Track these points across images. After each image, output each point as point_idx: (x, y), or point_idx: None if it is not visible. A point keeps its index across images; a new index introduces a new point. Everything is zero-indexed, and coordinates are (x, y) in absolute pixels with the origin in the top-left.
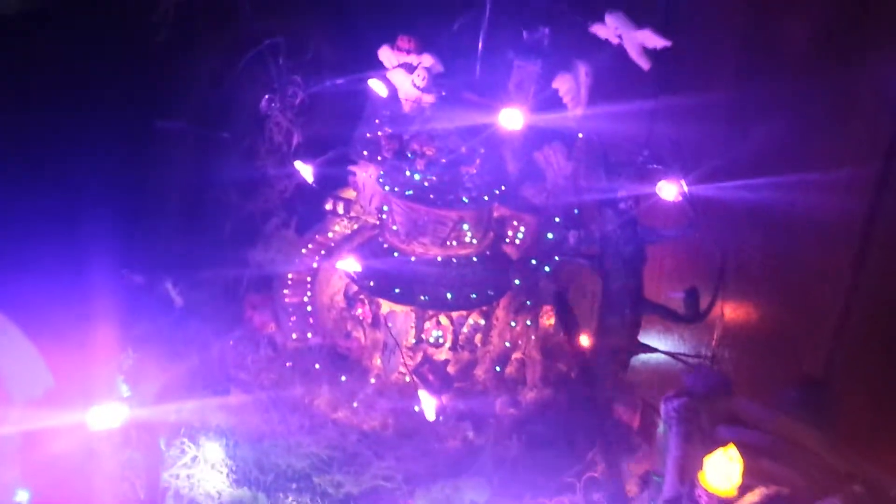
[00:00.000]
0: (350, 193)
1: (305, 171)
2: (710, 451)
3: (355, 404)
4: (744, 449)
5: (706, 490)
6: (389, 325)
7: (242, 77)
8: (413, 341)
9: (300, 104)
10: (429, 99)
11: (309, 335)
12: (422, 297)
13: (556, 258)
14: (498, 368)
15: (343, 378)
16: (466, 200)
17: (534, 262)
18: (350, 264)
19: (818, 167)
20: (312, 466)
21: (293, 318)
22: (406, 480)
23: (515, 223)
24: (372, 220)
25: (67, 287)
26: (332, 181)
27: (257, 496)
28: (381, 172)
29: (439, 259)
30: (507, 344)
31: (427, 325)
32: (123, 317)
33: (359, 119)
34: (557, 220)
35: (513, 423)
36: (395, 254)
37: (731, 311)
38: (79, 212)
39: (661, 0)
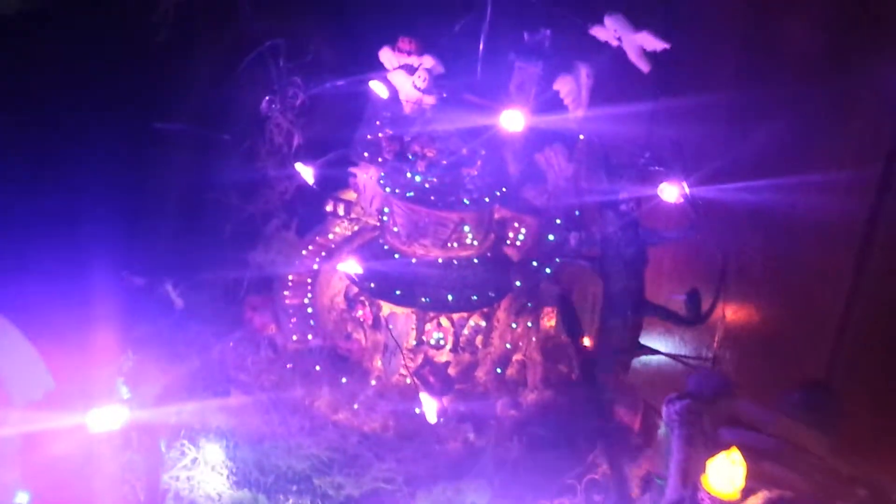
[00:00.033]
0: (351, 195)
1: (306, 172)
2: (712, 454)
3: (356, 406)
4: (746, 452)
5: (709, 493)
6: (390, 326)
7: (242, 78)
8: (414, 343)
9: (301, 105)
10: (430, 100)
11: (309, 337)
12: (423, 299)
13: (558, 260)
14: (499, 370)
15: (344, 380)
16: (467, 202)
17: (535, 263)
18: (351, 266)
19: (819, 168)
20: (313, 468)
21: (294, 320)
22: (407, 482)
23: (516, 225)
24: (373, 221)
25: (67, 289)
26: (333, 183)
27: (258, 498)
28: (382, 174)
29: (440, 261)
30: (508, 346)
31: (428, 326)
32: (123, 318)
33: (359, 120)
34: (558, 221)
35: (514, 425)
36: (396, 255)
37: (732, 313)
38: (79, 213)
39: (660, 1)
